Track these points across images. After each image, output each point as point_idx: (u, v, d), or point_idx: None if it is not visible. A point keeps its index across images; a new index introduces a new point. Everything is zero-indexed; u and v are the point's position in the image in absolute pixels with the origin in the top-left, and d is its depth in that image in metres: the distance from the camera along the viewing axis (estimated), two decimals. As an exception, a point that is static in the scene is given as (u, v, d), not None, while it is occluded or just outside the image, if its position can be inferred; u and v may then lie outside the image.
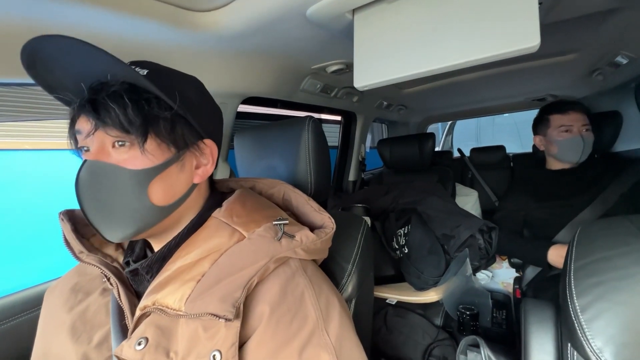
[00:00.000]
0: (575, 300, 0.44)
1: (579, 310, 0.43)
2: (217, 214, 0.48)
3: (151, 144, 0.41)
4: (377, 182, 1.91)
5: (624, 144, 1.44)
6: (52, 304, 0.52)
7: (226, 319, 0.36)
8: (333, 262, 0.63)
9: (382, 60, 0.62)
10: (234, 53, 0.79)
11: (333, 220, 0.53)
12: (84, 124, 0.41)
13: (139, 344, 0.38)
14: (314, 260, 0.52)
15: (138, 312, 0.41)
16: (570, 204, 1.16)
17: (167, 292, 0.40)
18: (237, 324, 0.37)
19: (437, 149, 3.86)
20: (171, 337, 0.39)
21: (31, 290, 0.70)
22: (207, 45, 0.72)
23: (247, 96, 1.02)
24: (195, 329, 0.38)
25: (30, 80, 0.60)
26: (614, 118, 1.39)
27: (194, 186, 0.47)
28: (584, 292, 0.44)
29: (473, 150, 2.13)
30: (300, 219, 0.56)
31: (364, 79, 0.64)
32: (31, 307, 0.68)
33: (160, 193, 0.42)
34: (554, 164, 1.30)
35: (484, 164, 2.05)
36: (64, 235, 0.49)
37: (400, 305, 1.21)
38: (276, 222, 0.46)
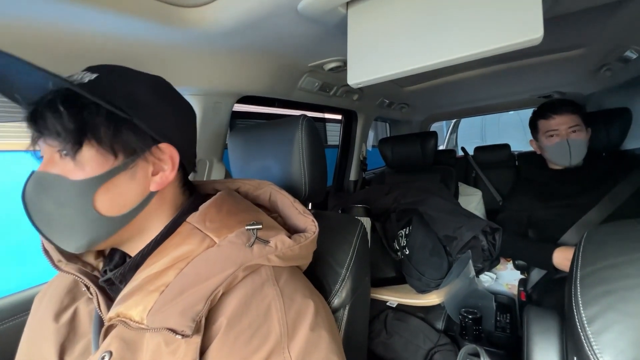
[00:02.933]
0: (582, 311, 0.41)
1: (585, 322, 0.40)
2: (191, 219, 0.45)
3: (90, 152, 0.39)
4: (379, 181, 1.88)
5: (633, 142, 1.39)
6: (40, 310, 0.51)
7: (183, 335, 0.34)
8: (327, 266, 0.61)
9: (378, 55, 0.59)
10: (225, 50, 0.77)
11: (316, 224, 0.50)
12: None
13: (103, 358, 0.37)
14: (299, 267, 0.50)
15: (106, 324, 0.40)
16: (577, 203, 1.12)
17: (130, 304, 0.38)
18: (197, 339, 0.35)
19: (441, 147, 3.83)
20: (136, 350, 0.37)
21: (19, 295, 0.69)
22: (196, 43, 0.70)
23: (242, 95, 1.00)
24: (159, 343, 0.36)
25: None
26: (623, 115, 1.34)
27: (152, 194, 0.44)
28: (592, 302, 0.41)
29: (477, 149, 2.09)
30: (286, 222, 0.54)
31: (358, 75, 0.61)
32: (19, 312, 0.67)
33: (107, 203, 0.40)
34: (553, 165, 1.28)
35: (488, 163, 2.01)
36: (43, 244, 0.47)
37: (401, 308, 1.19)
38: (249, 227, 0.44)
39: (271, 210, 0.55)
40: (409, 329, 1.11)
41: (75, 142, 0.38)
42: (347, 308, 0.59)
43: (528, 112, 1.35)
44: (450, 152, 2.29)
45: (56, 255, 0.46)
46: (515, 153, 2.01)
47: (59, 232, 0.40)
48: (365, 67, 0.60)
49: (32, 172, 0.40)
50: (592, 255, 0.45)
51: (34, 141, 0.40)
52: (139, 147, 0.41)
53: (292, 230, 0.52)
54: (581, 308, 0.41)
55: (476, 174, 2.01)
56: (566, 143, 1.14)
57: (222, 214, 0.46)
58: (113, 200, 0.40)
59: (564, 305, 0.47)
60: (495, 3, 0.47)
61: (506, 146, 2.00)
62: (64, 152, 0.39)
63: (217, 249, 0.41)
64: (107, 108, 0.38)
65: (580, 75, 1.48)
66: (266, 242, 0.43)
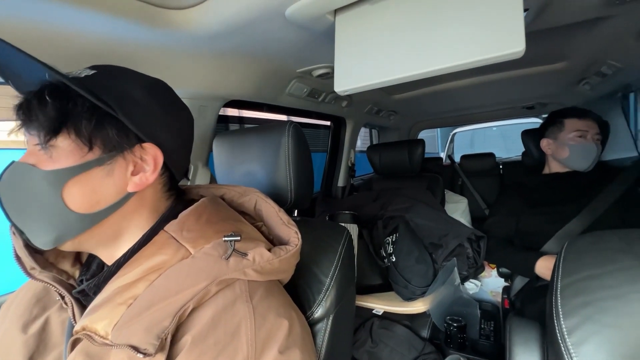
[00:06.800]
0: (562, 322, 0.42)
1: (565, 333, 0.41)
2: (169, 227, 0.43)
3: (64, 143, 0.38)
4: (367, 188, 1.89)
5: (611, 153, 1.44)
6: (6, 322, 0.48)
7: (145, 354, 0.32)
8: (311, 275, 0.60)
9: (364, 64, 0.59)
10: (212, 54, 0.76)
11: (299, 237, 0.48)
12: None
13: None
14: (280, 280, 0.48)
15: (72, 338, 0.37)
16: (563, 211, 1.14)
17: (96, 317, 0.36)
18: (160, 358, 0.33)
19: (442, 154, 3.93)
20: None
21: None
22: (182, 45, 0.69)
23: (229, 99, 0.99)
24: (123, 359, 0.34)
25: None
26: (603, 127, 1.39)
27: (129, 195, 0.42)
28: (571, 313, 0.42)
29: (463, 157, 2.13)
30: (270, 231, 0.52)
31: (344, 83, 0.61)
32: None
33: (78, 198, 0.38)
34: (555, 168, 1.27)
35: (474, 171, 2.04)
36: (15, 250, 0.44)
37: (387, 316, 1.18)
38: (227, 238, 0.41)
39: (256, 219, 0.53)
40: (394, 338, 1.10)
41: (49, 129, 0.37)
42: (331, 318, 0.58)
43: (508, 128, 1.39)
44: (437, 160, 2.33)
45: (29, 263, 0.43)
46: (500, 161, 2.05)
47: (28, 225, 0.38)
48: (352, 75, 0.60)
49: (11, 162, 0.38)
50: (572, 265, 0.46)
51: (16, 129, 0.39)
52: (120, 144, 0.39)
53: (276, 241, 0.51)
54: (561, 319, 0.42)
55: (462, 182, 2.04)
56: (594, 147, 1.16)
57: (200, 223, 0.44)
58: (84, 195, 0.38)
59: (545, 314, 0.47)
60: (479, 16, 0.48)
61: (491, 155, 2.04)
62: (39, 141, 0.37)
63: (190, 260, 0.39)
64: (92, 100, 0.36)
65: (562, 87, 1.53)
66: (244, 254, 0.41)
